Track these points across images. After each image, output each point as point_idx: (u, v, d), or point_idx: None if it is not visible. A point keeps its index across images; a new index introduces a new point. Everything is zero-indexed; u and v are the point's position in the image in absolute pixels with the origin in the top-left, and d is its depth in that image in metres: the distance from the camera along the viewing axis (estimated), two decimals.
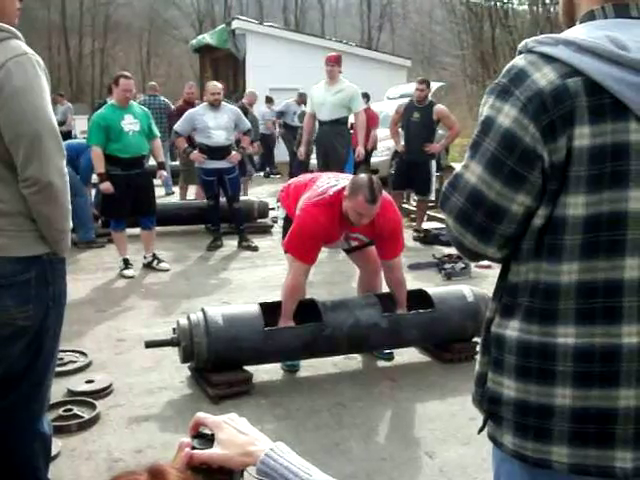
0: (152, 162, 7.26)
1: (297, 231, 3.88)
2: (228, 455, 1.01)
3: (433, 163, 7.95)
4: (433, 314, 4.07)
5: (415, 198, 8.73)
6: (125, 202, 6.22)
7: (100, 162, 6.12)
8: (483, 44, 23.20)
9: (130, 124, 6.16)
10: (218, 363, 3.71)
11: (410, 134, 7.87)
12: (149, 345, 3.85)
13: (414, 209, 8.71)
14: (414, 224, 8.29)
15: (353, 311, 3.94)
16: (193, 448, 1.02)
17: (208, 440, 1.04)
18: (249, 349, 3.72)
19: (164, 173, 6.92)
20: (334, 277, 6.18)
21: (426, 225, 8.30)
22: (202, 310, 3.79)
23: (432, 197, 8.16)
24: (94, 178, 7.31)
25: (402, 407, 3.67)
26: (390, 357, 4.28)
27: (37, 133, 2.06)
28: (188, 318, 3.77)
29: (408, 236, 8.06)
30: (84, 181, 7.43)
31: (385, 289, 4.33)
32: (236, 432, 1.04)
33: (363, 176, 3.82)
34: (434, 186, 8.03)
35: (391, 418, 3.55)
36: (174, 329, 3.84)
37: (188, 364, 4.03)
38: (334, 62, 7.40)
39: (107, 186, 6.11)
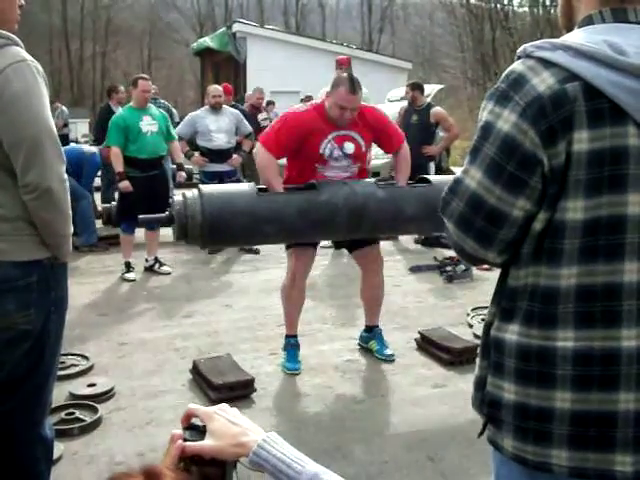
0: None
1: (275, 124, 3.96)
2: (220, 446, 0.99)
3: (432, 165, 7.94)
4: (430, 188, 3.94)
5: None
6: (141, 203, 6.24)
7: (119, 162, 6.20)
8: (484, 46, 23.23)
9: (149, 125, 6.26)
10: (213, 230, 3.49)
11: (409, 136, 7.85)
12: (143, 221, 3.78)
13: None
14: None
15: (348, 184, 3.85)
16: (185, 440, 1.01)
17: (200, 432, 1.02)
18: (244, 214, 3.55)
19: (183, 174, 6.93)
20: (338, 279, 6.18)
21: None
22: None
23: None
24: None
25: (403, 409, 3.67)
26: (391, 359, 4.29)
27: (36, 139, 2.06)
28: (183, 194, 3.60)
29: (410, 239, 8.10)
30: (88, 188, 7.50)
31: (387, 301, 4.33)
32: (228, 423, 1.02)
33: (343, 72, 3.87)
34: None
35: (392, 421, 3.55)
36: (168, 210, 3.67)
37: (189, 368, 4.04)
38: (348, 66, 7.41)
39: (126, 184, 6.19)
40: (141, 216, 3.82)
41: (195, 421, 1.05)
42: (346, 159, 3.95)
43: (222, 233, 3.55)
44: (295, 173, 4.01)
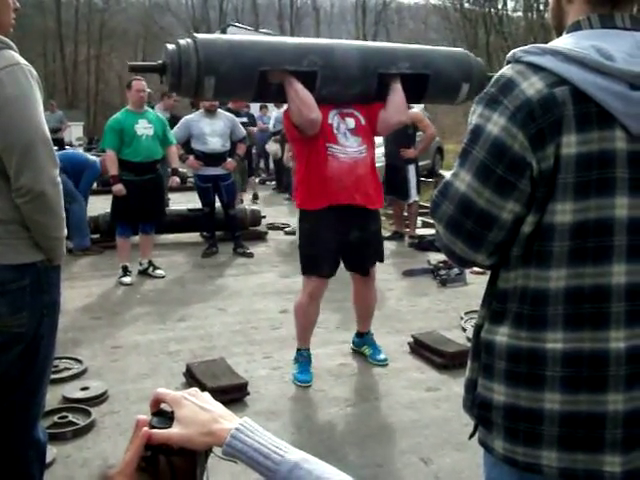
0: None
1: None
2: (188, 435, 0.91)
3: (411, 168, 7.96)
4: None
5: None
6: (135, 207, 6.26)
7: (113, 165, 6.22)
8: (478, 50, 23.31)
9: (144, 128, 6.27)
10: (208, 68, 3.32)
11: (387, 138, 7.89)
12: (133, 69, 3.70)
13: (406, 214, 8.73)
14: (408, 230, 8.31)
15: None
16: (152, 427, 0.93)
17: (168, 418, 0.94)
18: (240, 46, 3.46)
19: (176, 179, 6.92)
20: (331, 283, 6.16)
21: (421, 231, 8.32)
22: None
23: (411, 200, 8.13)
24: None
25: (397, 413, 3.67)
26: (385, 363, 4.30)
27: (30, 142, 2.07)
28: (176, 42, 3.41)
29: (403, 242, 8.12)
30: (84, 192, 7.54)
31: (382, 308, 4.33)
32: (197, 409, 0.94)
33: None
34: (414, 190, 8.03)
35: (386, 424, 3.55)
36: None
37: (183, 372, 4.04)
38: None
39: (119, 188, 6.19)
40: (131, 63, 3.66)
41: (165, 407, 0.97)
42: (352, 136, 3.91)
43: (217, 64, 3.37)
44: (306, 159, 3.91)
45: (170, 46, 3.40)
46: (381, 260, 4.27)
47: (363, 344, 4.45)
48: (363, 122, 3.96)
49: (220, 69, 3.36)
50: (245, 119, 8.98)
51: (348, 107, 3.94)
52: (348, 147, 3.88)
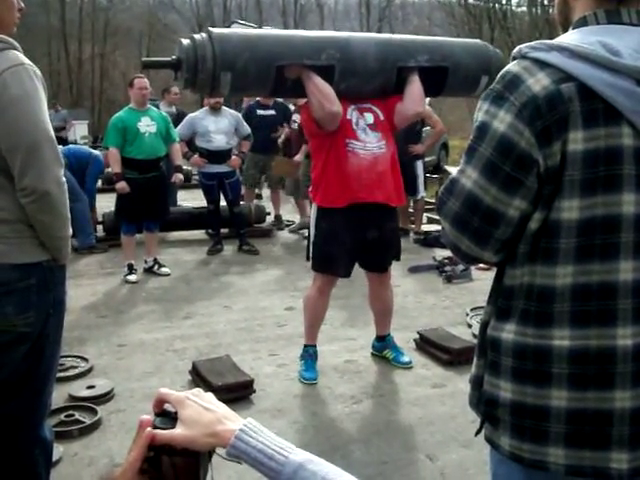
0: None
1: None
2: (192, 436, 0.91)
3: (419, 164, 7.94)
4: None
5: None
6: (140, 205, 6.26)
7: (116, 162, 6.21)
8: None
9: (147, 126, 6.26)
10: (225, 61, 3.30)
11: (395, 135, 7.87)
12: (147, 65, 3.66)
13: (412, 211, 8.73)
14: (413, 226, 8.30)
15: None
16: (155, 427, 0.92)
17: (172, 419, 0.94)
18: (262, 50, 3.42)
19: (180, 176, 6.92)
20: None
21: (427, 227, 8.31)
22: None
23: (419, 196, 8.12)
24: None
25: (402, 410, 3.67)
26: (409, 366, 4.21)
27: (34, 143, 2.07)
28: (191, 37, 3.38)
29: (408, 238, 8.10)
30: (91, 189, 7.56)
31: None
32: (201, 409, 0.94)
33: None
34: (422, 186, 8.02)
35: (391, 421, 3.55)
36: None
37: (189, 369, 4.04)
38: None
39: (122, 185, 6.18)
40: (145, 59, 3.64)
41: (168, 407, 0.97)
42: (371, 131, 3.87)
43: (234, 58, 3.33)
44: (325, 155, 3.84)
45: (185, 41, 3.35)
46: (398, 258, 4.21)
47: (384, 348, 4.35)
48: (381, 117, 3.93)
49: (237, 64, 3.32)
50: (273, 112, 8.60)
51: (366, 102, 3.90)
52: (368, 143, 3.84)
